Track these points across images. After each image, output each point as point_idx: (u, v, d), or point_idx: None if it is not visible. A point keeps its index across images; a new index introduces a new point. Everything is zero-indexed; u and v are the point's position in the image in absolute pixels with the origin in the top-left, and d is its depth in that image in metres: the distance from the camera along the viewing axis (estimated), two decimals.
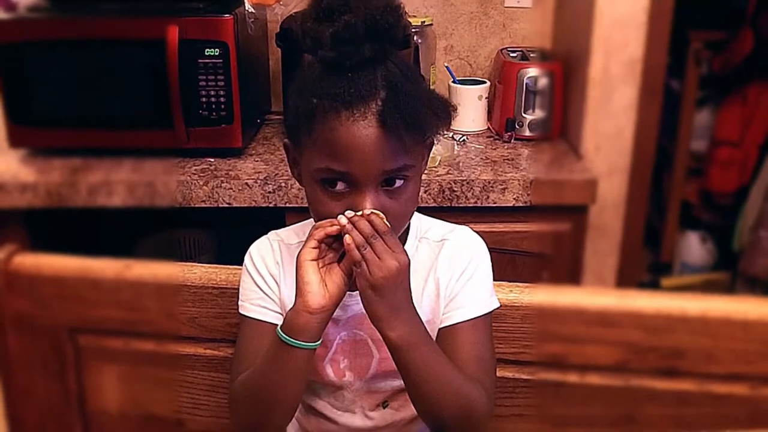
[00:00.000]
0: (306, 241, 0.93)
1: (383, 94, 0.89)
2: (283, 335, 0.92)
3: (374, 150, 0.89)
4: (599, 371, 1.18)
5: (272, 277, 1.06)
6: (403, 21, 0.94)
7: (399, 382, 1.03)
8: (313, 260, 0.92)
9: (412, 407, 1.05)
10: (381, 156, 0.90)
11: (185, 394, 1.26)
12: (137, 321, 1.24)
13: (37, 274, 1.24)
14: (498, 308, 1.06)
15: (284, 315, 1.00)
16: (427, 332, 0.97)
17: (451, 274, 1.04)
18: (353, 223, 0.90)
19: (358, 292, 0.99)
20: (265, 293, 1.06)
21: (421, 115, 0.91)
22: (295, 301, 0.93)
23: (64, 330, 1.26)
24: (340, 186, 0.93)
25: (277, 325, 0.97)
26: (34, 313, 1.26)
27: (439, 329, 1.03)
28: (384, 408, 1.07)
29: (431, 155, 1.07)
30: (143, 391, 1.28)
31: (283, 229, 1.11)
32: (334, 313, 0.98)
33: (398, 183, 0.93)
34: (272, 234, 1.10)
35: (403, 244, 1.04)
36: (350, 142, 0.89)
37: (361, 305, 0.96)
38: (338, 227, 0.91)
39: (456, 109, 1.00)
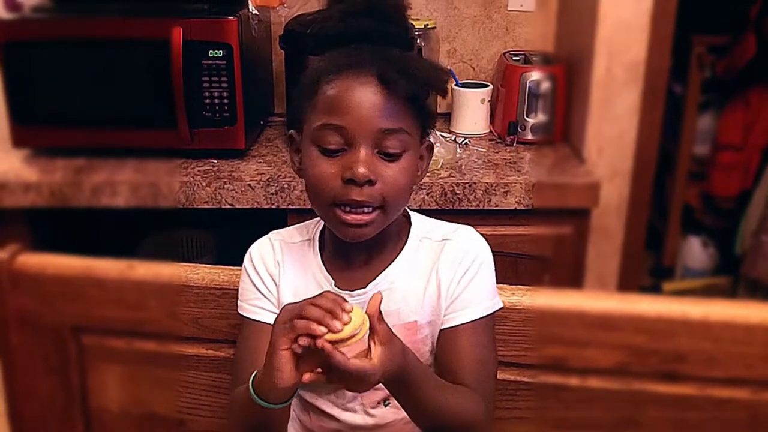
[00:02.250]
0: (286, 331, 0.87)
1: (383, 63, 0.94)
2: (254, 395, 0.90)
3: (371, 105, 0.93)
4: (600, 374, 1.18)
5: (271, 277, 1.06)
6: (404, 4, 1.02)
7: None
8: (286, 349, 0.87)
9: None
10: (377, 112, 0.93)
11: (187, 394, 1.26)
12: (140, 321, 1.24)
13: (40, 274, 1.25)
14: (501, 309, 1.06)
15: None
16: (416, 363, 0.95)
17: (453, 274, 1.03)
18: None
19: (358, 291, 1.00)
20: (262, 294, 1.06)
21: (417, 77, 0.95)
22: (264, 373, 0.89)
23: (67, 329, 1.27)
24: (336, 144, 0.95)
25: (266, 324, 1.00)
26: (38, 312, 1.27)
27: (441, 330, 1.04)
28: (385, 406, 1.07)
29: (434, 158, 1.08)
30: (145, 391, 1.28)
31: (285, 228, 1.12)
32: None
33: (393, 147, 0.95)
34: (273, 233, 1.11)
35: (404, 244, 1.05)
36: (349, 96, 0.94)
37: (362, 304, 0.95)
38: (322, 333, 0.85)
39: (449, 78, 1.09)
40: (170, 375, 1.27)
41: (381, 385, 1.03)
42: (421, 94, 0.97)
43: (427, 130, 1.03)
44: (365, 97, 0.93)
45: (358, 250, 1.04)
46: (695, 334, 1.15)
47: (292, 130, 1.04)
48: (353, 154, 0.94)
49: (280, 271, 1.07)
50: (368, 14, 0.97)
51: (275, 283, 1.06)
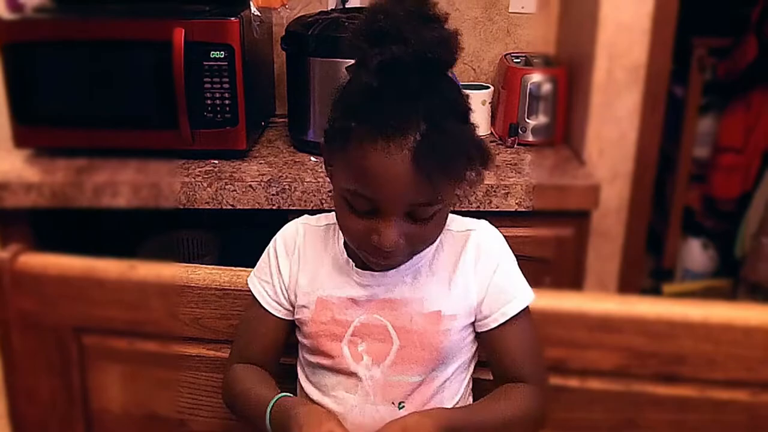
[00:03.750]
0: None
1: (422, 128, 0.87)
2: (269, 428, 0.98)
3: (403, 184, 0.89)
4: (600, 376, 1.18)
5: (287, 261, 1.08)
6: (457, 54, 0.92)
7: (417, 379, 1.03)
8: None
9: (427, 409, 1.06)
10: (409, 190, 0.89)
11: (188, 394, 1.26)
12: (141, 321, 1.25)
13: (42, 274, 1.25)
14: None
15: (288, 308, 1.07)
16: (467, 409, 1.02)
17: (485, 269, 1.04)
18: None
19: (380, 273, 1.02)
20: (272, 278, 1.08)
21: (455, 159, 0.89)
22: None
23: (68, 329, 1.27)
24: (365, 208, 0.93)
25: (274, 315, 1.08)
26: (39, 312, 1.27)
27: (488, 331, 1.04)
28: (399, 409, 1.05)
29: None
30: (146, 391, 1.28)
31: (319, 214, 1.13)
32: (354, 294, 1.03)
33: (425, 214, 0.93)
34: (304, 217, 1.13)
35: None
36: (381, 172, 0.88)
37: (383, 288, 1.01)
38: None
39: (494, 159, 0.97)
40: (171, 375, 1.27)
41: (398, 380, 1.04)
42: (462, 155, 0.91)
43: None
44: (397, 175, 0.88)
45: None
46: (695, 336, 1.15)
47: (324, 144, 1.00)
48: (382, 223, 0.92)
49: (299, 256, 1.08)
50: (413, 72, 0.88)
51: (290, 270, 1.08)
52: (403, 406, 1.04)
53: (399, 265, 1.01)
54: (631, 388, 1.18)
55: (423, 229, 0.94)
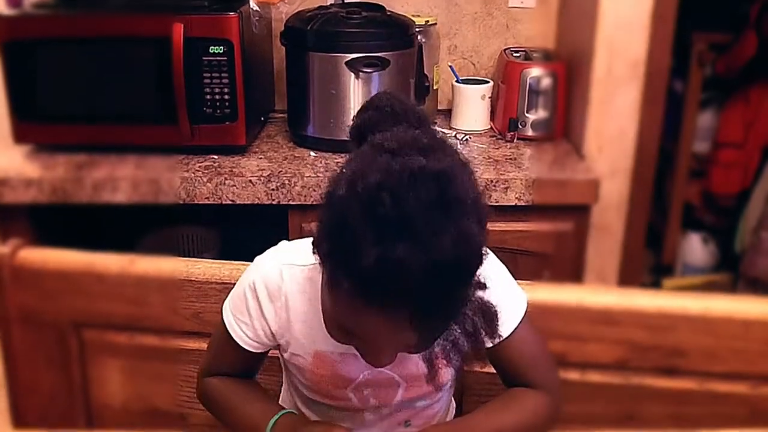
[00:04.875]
0: None
1: (419, 305, 0.74)
2: None
3: (399, 345, 0.81)
4: (600, 369, 1.19)
5: (272, 307, 0.97)
6: (483, 258, 0.78)
7: (423, 403, 1.03)
8: None
9: (434, 420, 1.07)
10: (405, 349, 0.82)
11: (188, 388, 1.26)
12: (141, 316, 1.25)
13: (42, 269, 1.25)
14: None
15: (269, 344, 1.00)
16: (485, 416, 0.98)
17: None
18: None
19: None
20: (251, 320, 0.98)
21: (458, 308, 0.79)
22: None
23: (68, 324, 1.28)
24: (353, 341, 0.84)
25: (249, 351, 0.99)
26: (39, 307, 1.28)
27: (492, 347, 0.96)
28: (406, 426, 1.05)
29: None
30: (147, 385, 1.29)
31: (296, 246, 0.99)
32: (354, 351, 0.90)
33: (421, 349, 0.84)
34: (283, 257, 0.99)
35: None
36: (378, 334, 0.78)
37: None
38: None
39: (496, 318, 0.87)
40: (171, 369, 1.27)
41: (405, 408, 1.03)
42: (463, 309, 0.81)
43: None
44: (395, 339, 0.79)
45: None
46: (695, 329, 1.15)
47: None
48: (372, 355, 0.83)
49: (287, 303, 0.96)
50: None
51: (277, 316, 0.97)
52: (410, 424, 1.05)
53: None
54: (631, 381, 1.19)
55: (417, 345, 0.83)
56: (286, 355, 1.01)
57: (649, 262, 2.70)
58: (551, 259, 1.77)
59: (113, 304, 1.25)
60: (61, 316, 1.27)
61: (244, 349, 1.00)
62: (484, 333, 0.85)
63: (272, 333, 0.98)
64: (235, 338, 1.00)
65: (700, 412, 1.17)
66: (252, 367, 1.07)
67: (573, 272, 1.83)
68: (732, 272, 2.59)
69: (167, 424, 1.28)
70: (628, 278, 1.96)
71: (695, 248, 2.72)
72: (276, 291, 0.96)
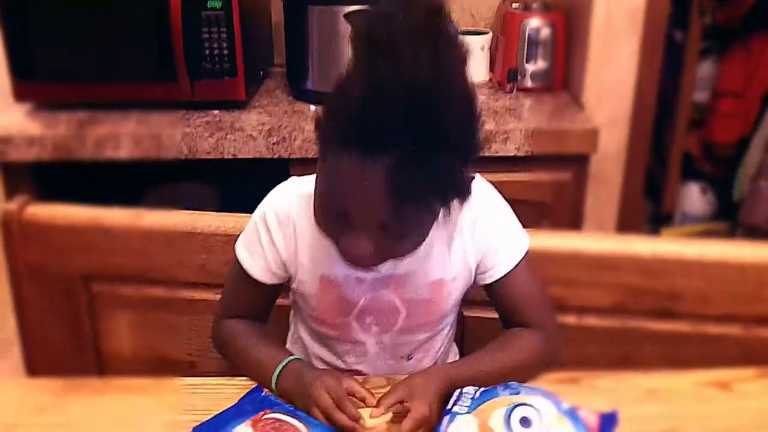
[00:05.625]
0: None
1: (407, 147, 0.79)
2: (274, 387, 0.98)
3: (375, 200, 0.82)
4: (597, 313, 1.22)
5: (281, 234, 1.01)
6: (463, 84, 0.83)
7: (425, 335, 1.07)
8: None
9: (436, 356, 1.10)
10: (381, 207, 0.83)
11: (196, 338, 1.30)
12: (148, 268, 1.28)
13: (50, 224, 1.27)
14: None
15: (281, 275, 1.04)
16: (462, 368, 1.00)
17: (480, 227, 1.02)
18: None
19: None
20: (262, 248, 1.02)
21: (429, 191, 0.83)
22: (298, 399, 0.95)
23: (77, 278, 1.30)
24: (338, 215, 0.87)
25: (263, 283, 1.03)
26: (48, 261, 1.30)
27: (491, 283, 1.04)
28: (408, 360, 1.09)
29: None
30: (155, 336, 1.32)
31: (300, 179, 1.04)
32: (359, 273, 0.99)
33: (399, 232, 0.87)
34: (291, 184, 1.04)
35: None
36: (353, 184, 0.83)
37: (387, 265, 0.96)
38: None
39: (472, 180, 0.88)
40: (179, 319, 1.30)
41: (407, 340, 1.06)
42: (446, 174, 0.83)
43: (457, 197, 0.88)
44: (370, 190, 0.81)
45: None
46: (690, 273, 1.18)
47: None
48: (351, 232, 0.87)
49: (295, 229, 1.01)
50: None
51: (285, 243, 1.01)
52: (411, 358, 1.09)
53: (375, 266, 0.95)
54: (627, 324, 1.21)
55: (395, 243, 0.89)
56: (294, 286, 1.05)
57: (648, 211, 2.71)
58: (550, 209, 1.79)
59: (121, 258, 1.28)
60: (69, 270, 1.30)
61: (258, 282, 1.04)
62: (457, 200, 0.87)
63: (282, 262, 1.02)
64: (248, 270, 1.04)
65: (694, 353, 1.20)
66: (265, 305, 1.10)
67: (572, 222, 1.85)
68: (730, 221, 2.61)
69: (176, 372, 1.31)
70: (626, 228, 1.98)
71: (694, 198, 2.73)
72: (285, 219, 1.01)
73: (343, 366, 1.09)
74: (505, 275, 1.03)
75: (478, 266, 1.04)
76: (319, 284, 1.02)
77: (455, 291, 1.05)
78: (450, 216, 0.92)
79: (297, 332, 1.14)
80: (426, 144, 0.79)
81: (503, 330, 1.07)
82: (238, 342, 1.06)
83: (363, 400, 0.92)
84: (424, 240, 0.94)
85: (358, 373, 1.08)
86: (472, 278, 1.05)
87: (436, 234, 0.98)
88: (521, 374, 1.00)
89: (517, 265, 1.03)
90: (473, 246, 1.02)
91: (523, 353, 1.03)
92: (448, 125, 0.80)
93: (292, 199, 1.01)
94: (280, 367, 0.98)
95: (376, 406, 0.91)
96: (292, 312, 1.16)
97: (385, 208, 0.83)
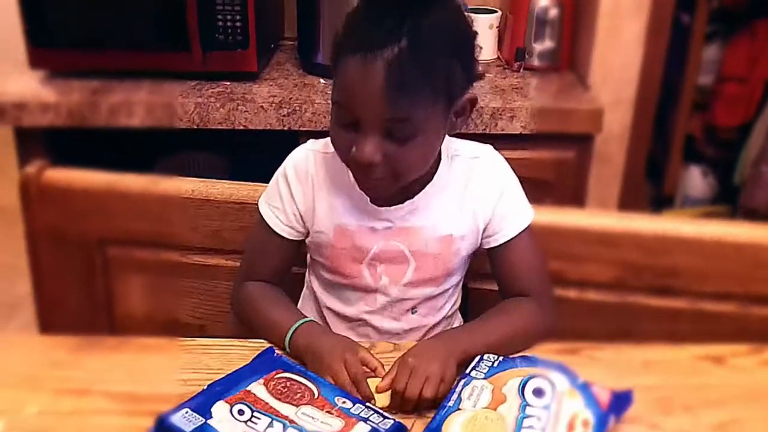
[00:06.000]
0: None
1: (402, 44, 0.90)
2: (287, 346, 1.03)
3: (376, 95, 0.91)
4: (597, 288, 1.25)
5: (300, 188, 1.10)
6: None
7: (431, 290, 1.13)
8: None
9: (439, 314, 1.16)
10: (383, 102, 0.91)
11: (207, 302, 1.34)
12: (163, 233, 1.31)
13: (68, 188, 1.30)
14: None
15: (300, 230, 1.11)
16: (476, 327, 1.06)
17: (491, 193, 1.10)
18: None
19: (394, 207, 1.07)
20: (283, 204, 1.11)
21: (429, 80, 0.92)
22: (312, 361, 1.00)
23: (93, 241, 1.33)
24: (347, 121, 0.96)
25: (285, 238, 1.11)
26: (65, 225, 1.33)
27: (493, 248, 1.11)
28: (413, 314, 1.15)
29: None
30: (168, 299, 1.35)
31: (319, 140, 1.14)
32: (372, 224, 1.07)
33: (402, 133, 0.94)
34: (310, 143, 1.14)
35: (438, 164, 1.08)
36: (356, 83, 0.92)
37: (399, 217, 1.06)
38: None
39: (481, 77, 1.03)
40: (191, 284, 1.34)
41: (414, 294, 1.12)
42: (441, 74, 0.94)
43: (459, 96, 1.00)
44: (370, 85, 0.91)
45: None
46: (688, 251, 1.21)
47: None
48: (361, 136, 0.95)
49: (314, 184, 1.10)
50: None
51: (304, 196, 1.10)
52: (416, 312, 1.14)
53: (386, 192, 1.03)
54: (627, 299, 1.25)
55: (403, 151, 0.95)
56: (310, 239, 1.12)
57: (650, 193, 2.74)
58: (554, 187, 1.82)
59: (136, 222, 1.31)
60: (86, 234, 1.33)
61: (278, 238, 1.12)
62: (458, 90, 0.98)
63: (300, 215, 1.11)
64: (270, 225, 1.12)
65: (691, 329, 1.23)
66: (284, 263, 1.16)
67: (575, 200, 1.88)
68: (731, 205, 2.63)
69: (188, 335, 1.35)
70: (628, 208, 2.00)
71: (695, 181, 2.76)
72: (304, 174, 1.10)
73: (352, 315, 1.15)
74: (508, 241, 1.10)
75: (485, 229, 1.11)
76: (334, 234, 1.09)
77: (463, 249, 1.11)
78: (457, 127, 1.02)
79: (310, 286, 1.20)
80: (421, 41, 0.90)
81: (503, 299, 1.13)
82: (255, 303, 1.12)
83: (374, 371, 0.97)
84: (427, 158, 1.01)
85: (366, 323, 1.14)
86: (479, 240, 1.12)
87: (448, 191, 1.07)
88: (519, 342, 1.05)
89: (521, 233, 1.10)
90: (482, 209, 1.10)
91: (523, 322, 1.08)
92: (440, 25, 0.93)
93: (310, 156, 1.11)
94: (295, 326, 1.03)
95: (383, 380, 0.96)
96: (307, 272, 1.21)
97: (387, 102, 0.91)
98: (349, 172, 1.05)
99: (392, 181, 0.99)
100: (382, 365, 0.98)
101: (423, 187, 1.08)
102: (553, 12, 1.97)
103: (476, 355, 0.98)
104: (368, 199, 1.07)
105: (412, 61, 0.90)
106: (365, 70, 0.91)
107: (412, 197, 1.08)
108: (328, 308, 1.17)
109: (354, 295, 1.14)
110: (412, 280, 1.11)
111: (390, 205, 1.08)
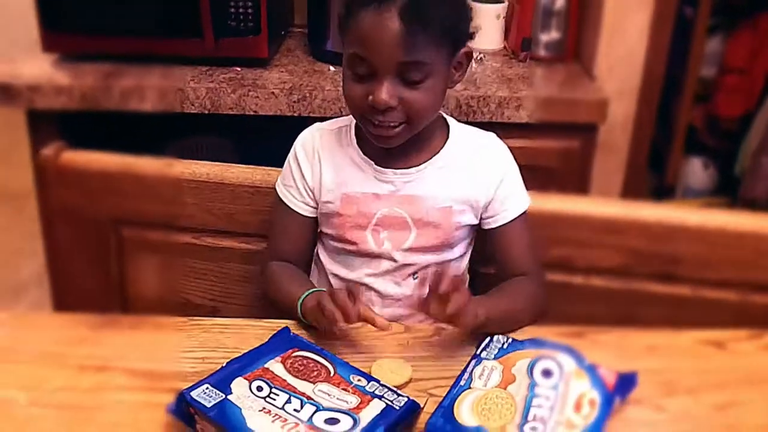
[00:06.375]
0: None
1: None
2: (301, 316, 1.08)
3: (390, 40, 1.00)
4: (603, 274, 1.28)
5: (310, 166, 1.19)
6: None
7: (432, 257, 1.18)
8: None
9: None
10: (397, 47, 1.01)
11: (220, 283, 1.37)
12: (177, 215, 1.33)
13: (84, 170, 1.33)
14: None
15: (314, 206, 1.18)
16: (496, 297, 1.12)
17: (493, 176, 1.17)
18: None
19: (401, 171, 1.13)
20: (295, 182, 1.19)
21: (439, 21, 1.02)
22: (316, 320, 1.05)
23: (108, 222, 1.36)
24: (363, 71, 1.05)
25: (301, 214, 1.20)
26: (81, 205, 1.35)
27: (493, 228, 1.18)
28: (414, 279, 1.20)
29: None
30: (181, 281, 1.38)
31: (328, 121, 1.24)
32: (376, 190, 1.14)
33: (415, 76, 1.04)
34: (316, 124, 1.23)
35: (445, 141, 1.17)
36: (371, 31, 1.01)
37: (403, 185, 1.13)
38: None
39: (473, 36, 1.14)
40: (204, 266, 1.36)
41: (415, 260, 1.18)
42: (446, 22, 1.04)
43: (459, 47, 1.10)
44: (385, 32, 1.01)
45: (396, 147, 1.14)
46: (692, 239, 1.24)
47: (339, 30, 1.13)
48: (376, 82, 1.04)
49: (320, 158, 1.18)
50: None
51: (312, 171, 1.18)
52: (417, 278, 1.20)
53: (399, 139, 1.10)
54: (631, 285, 1.28)
55: (415, 94, 1.05)
56: (320, 209, 1.19)
57: (652, 184, 2.76)
58: (558, 175, 1.83)
59: (151, 204, 1.33)
60: (101, 215, 1.35)
61: (296, 215, 1.20)
62: (463, 31, 1.10)
63: (311, 189, 1.19)
64: (286, 202, 1.21)
65: (694, 315, 1.26)
66: (304, 239, 1.23)
67: (578, 189, 1.89)
68: (731, 195, 2.66)
69: (199, 316, 1.38)
70: (630, 198, 2.03)
71: (696, 172, 2.78)
72: (311, 151, 1.20)
73: (356, 279, 1.20)
74: (507, 223, 1.18)
75: (485, 209, 1.18)
76: (341, 202, 1.16)
77: (462, 222, 1.17)
78: (456, 80, 1.12)
79: (318, 261, 1.25)
80: None
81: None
82: (276, 280, 1.18)
83: (372, 323, 1.03)
84: (436, 104, 1.10)
85: (369, 287, 1.20)
86: (478, 218, 1.18)
87: (452, 167, 1.15)
88: (525, 316, 1.11)
89: (518, 216, 1.18)
90: (484, 188, 1.17)
91: (529, 296, 1.15)
92: None
93: (316, 134, 1.21)
94: (304, 294, 1.08)
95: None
96: (316, 250, 1.26)
97: (402, 47, 1.00)
98: (352, 143, 1.17)
99: (406, 127, 1.08)
100: (384, 322, 1.03)
101: (430, 158, 1.16)
102: (560, 3, 1.99)
103: (493, 322, 1.03)
104: (374, 162, 1.15)
105: (422, 8, 1.00)
106: (381, 19, 1.00)
107: (419, 165, 1.15)
108: (334, 274, 1.22)
109: (358, 260, 1.20)
110: (412, 246, 1.17)
111: (397, 168, 1.14)
